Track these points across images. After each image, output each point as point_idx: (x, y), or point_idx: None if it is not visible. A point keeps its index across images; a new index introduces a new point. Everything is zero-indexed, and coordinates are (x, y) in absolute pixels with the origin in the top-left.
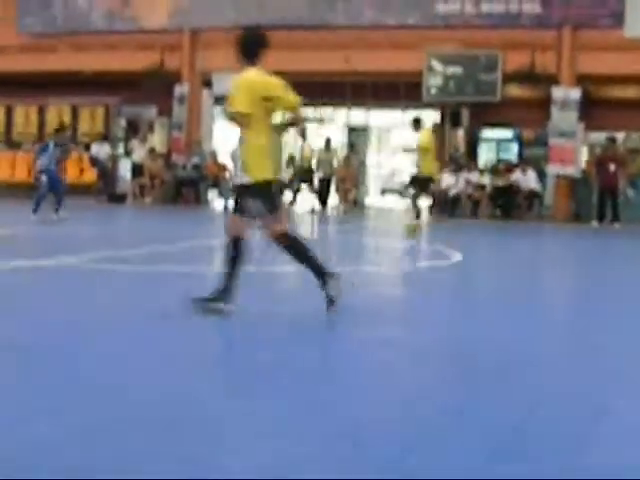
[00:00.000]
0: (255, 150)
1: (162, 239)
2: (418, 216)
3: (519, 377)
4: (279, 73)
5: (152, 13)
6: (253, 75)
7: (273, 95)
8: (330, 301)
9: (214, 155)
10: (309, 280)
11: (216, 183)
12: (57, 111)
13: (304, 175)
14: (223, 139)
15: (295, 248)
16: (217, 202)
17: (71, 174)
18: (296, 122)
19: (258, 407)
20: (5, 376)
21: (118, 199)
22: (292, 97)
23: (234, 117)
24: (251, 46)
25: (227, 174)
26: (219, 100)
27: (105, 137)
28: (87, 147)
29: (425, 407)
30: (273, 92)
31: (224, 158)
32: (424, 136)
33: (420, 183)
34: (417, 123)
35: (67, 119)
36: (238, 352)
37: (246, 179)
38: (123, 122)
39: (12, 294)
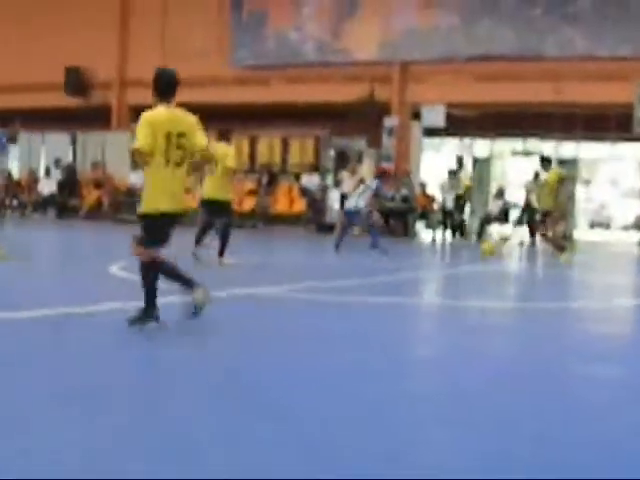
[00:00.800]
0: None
1: (376, 270)
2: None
3: None
4: (487, 105)
5: (362, 45)
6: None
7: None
8: (195, 308)
9: (423, 186)
10: None
11: (424, 214)
12: (268, 142)
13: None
14: (431, 171)
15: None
16: (425, 234)
17: (281, 204)
18: (200, 164)
19: None
20: None
21: (327, 229)
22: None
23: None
24: (163, 85)
25: (435, 205)
26: (428, 132)
27: (315, 168)
28: (297, 177)
29: None
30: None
31: (432, 189)
32: (554, 174)
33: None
34: (547, 163)
35: (278, 150)
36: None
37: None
38: (332, 153)
39: (232, 323)
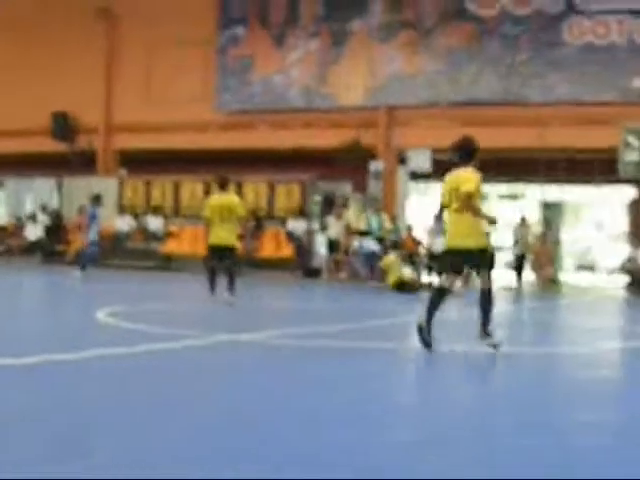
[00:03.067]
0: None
1: (361, 315)
2: None
3: None
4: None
5: (348, 90)
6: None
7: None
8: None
9: (410, 229)
10: None
11: (411, 257)
12: (254, 187)
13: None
14: (417, 214)
15: None
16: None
17: (268, 249)
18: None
19: None
20: None
21: (313, 274)
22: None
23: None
24: (464, 152)
25: (421, 249)
26: (414, 176)
27: (301, 212)
28: (283, 222)
29: None
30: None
31: (419, 233)
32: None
33: None
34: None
35: (264, 195)
36: None
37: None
38: (319, 198)
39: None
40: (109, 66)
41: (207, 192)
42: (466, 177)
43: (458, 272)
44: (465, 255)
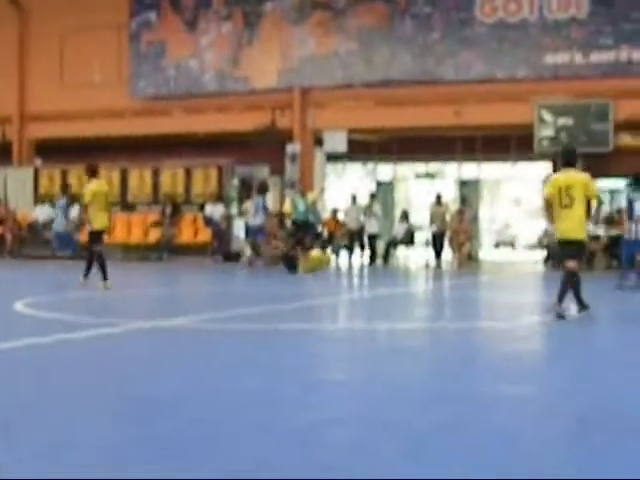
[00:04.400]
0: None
1: (282, 297)
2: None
3: None
4: (389, 129)
5: (262, 73)
6: None
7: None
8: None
9: (335, 212)
10: None
11: (331, 239)
12: (171, 173)
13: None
14: (334, 196)
15: None
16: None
17: (186, 234)
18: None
19: None
20: None
21: (232, 258)
22: None
23: None
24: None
25: (342, 230)
26: (331, 158)
27: (219, 197)
28: (201, 208)
29: None
30: None
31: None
32: None
33: None
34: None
35: (181, 181)
36: None
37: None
38: (236, 182)
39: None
40: (21, 55)
41: (124, 179)
42: (581, 178)
43: (574, 257)
44: (573, 244)
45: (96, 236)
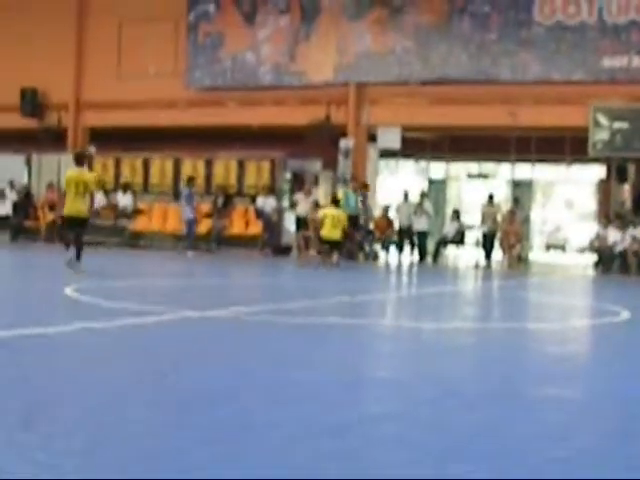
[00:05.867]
0: None
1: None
2: None
3: None
4: (443, 128)
5: (318, 68)
6: None
7: None
8: None
9: (386, 209)
10: None
11: (382, 237)
12: (224, 164)
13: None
14: (387, 193)
15: None
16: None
17: (237, 226)
18: None
19: None
20: None
21: (283, 251)
22: None
23: None
24: None
25: (393, 228)
26: (384, 154)
27: (271, 190)
28: (253, 200)
29: None
30: None
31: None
32: None
33: None
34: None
35: (233, 172)
36: None
37: None
38: (288, 175)
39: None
40: (79, 42)
41: (177, 169)
42: None
43: None
44: None
45: (67, 221)
